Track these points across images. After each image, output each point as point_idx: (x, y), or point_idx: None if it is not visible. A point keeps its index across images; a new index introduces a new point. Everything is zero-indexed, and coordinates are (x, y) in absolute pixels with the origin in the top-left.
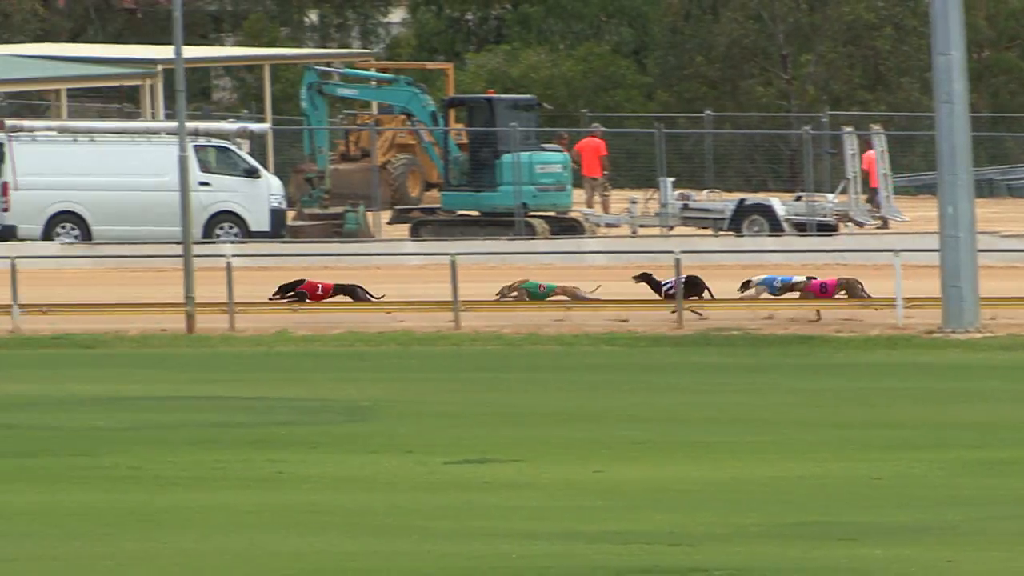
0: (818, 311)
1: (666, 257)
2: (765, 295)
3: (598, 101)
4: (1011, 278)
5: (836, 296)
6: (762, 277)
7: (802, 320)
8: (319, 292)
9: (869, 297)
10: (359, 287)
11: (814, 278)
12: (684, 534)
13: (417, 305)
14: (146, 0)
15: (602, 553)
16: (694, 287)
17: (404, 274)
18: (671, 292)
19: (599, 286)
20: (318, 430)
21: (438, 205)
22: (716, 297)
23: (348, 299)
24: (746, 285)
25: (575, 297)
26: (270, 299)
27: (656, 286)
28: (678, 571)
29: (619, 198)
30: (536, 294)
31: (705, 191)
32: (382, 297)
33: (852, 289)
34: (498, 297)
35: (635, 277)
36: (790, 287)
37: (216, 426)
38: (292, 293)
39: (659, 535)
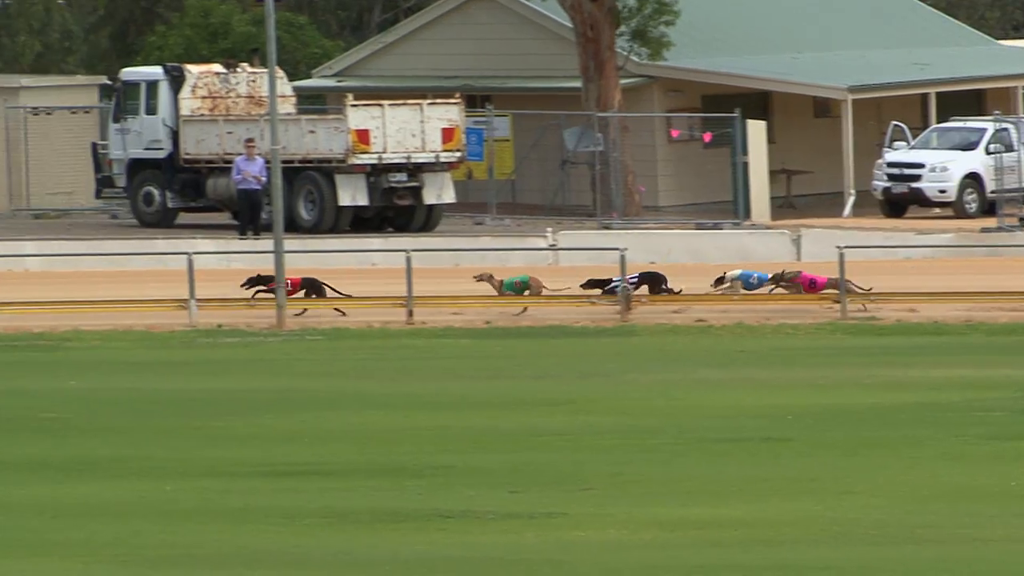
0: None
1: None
2: (742, 290)
3: None
4: None
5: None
6: (738, 272)
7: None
8: (287, 288)
9: (862, 292)
10: (324, 283)
11: (782, 272)
12: None
13: None
14: None
15: None
16: (654, 282)
17: None
18: (616, 289)
19: (568, 287)
20: None
21: None
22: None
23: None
24: (720, 280)
25: (540, 292)
26: (242, 286)
27: (602, 285)
28: None
29: None
30: (511, 288)
31: None
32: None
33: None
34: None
35: (582, 286)
36: (769, 281)
37: None
38: (264, 288)
39: None
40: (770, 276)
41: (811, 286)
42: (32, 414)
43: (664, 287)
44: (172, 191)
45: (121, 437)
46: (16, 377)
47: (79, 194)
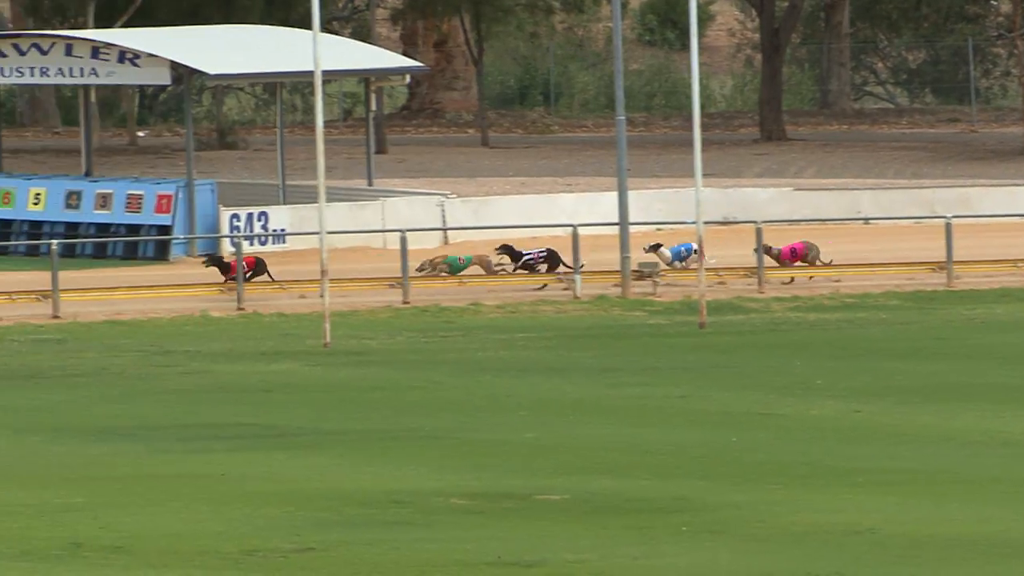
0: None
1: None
2: (673, 262)
3: None
4: None
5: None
6: (672, 247)
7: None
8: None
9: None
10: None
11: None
12: None
13: None
14: None
15: None
16: (552, 260)
17: None
18: (530, 262)
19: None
20: None
21: None
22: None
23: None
24: (655, 247)
25: (488, 269)
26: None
27: (516, 257)
28: None
29: None
30: (456, 267)
31: None
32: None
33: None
34: (419, 272)
35: (496, 249)
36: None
37: None
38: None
39: None
40: (693, 248)
41: (792, 255)
42: None
43: (558, 265)
44: None
45: None
46: None
47: None
